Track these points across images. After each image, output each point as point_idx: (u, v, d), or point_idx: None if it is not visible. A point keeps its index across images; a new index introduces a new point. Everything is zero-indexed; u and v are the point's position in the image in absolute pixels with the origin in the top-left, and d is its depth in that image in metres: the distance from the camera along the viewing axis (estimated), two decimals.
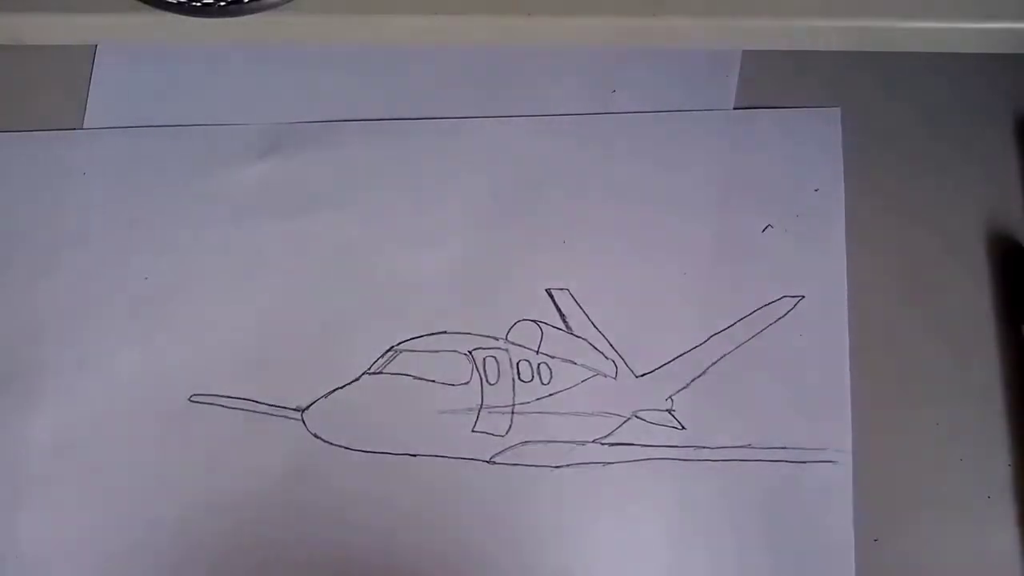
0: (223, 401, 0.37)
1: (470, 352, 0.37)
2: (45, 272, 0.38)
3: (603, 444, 0.37)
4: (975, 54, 0.40)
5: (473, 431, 0.37)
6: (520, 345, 0.37)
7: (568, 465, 0.37)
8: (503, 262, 0.38)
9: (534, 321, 0.38)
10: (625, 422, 0.37)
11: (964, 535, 0.36)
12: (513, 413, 0.37)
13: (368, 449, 0.37)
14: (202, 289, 0.38)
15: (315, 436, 0.37)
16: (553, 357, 0.37)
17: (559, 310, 0.38)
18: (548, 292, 0.38)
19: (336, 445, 0.37)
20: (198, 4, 0.31)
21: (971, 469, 0.36)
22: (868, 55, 0.39)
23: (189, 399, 0.37)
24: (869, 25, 0.34)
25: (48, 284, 0.38)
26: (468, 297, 0.38)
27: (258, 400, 0.37)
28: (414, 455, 0.37)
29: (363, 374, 0.37)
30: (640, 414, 0.37)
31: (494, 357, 0.37)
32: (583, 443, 0.37)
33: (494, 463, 0.37)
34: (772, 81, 0.40)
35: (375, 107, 0.40)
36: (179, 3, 0.31)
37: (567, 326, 0.38)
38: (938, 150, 0.40)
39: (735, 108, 0.40)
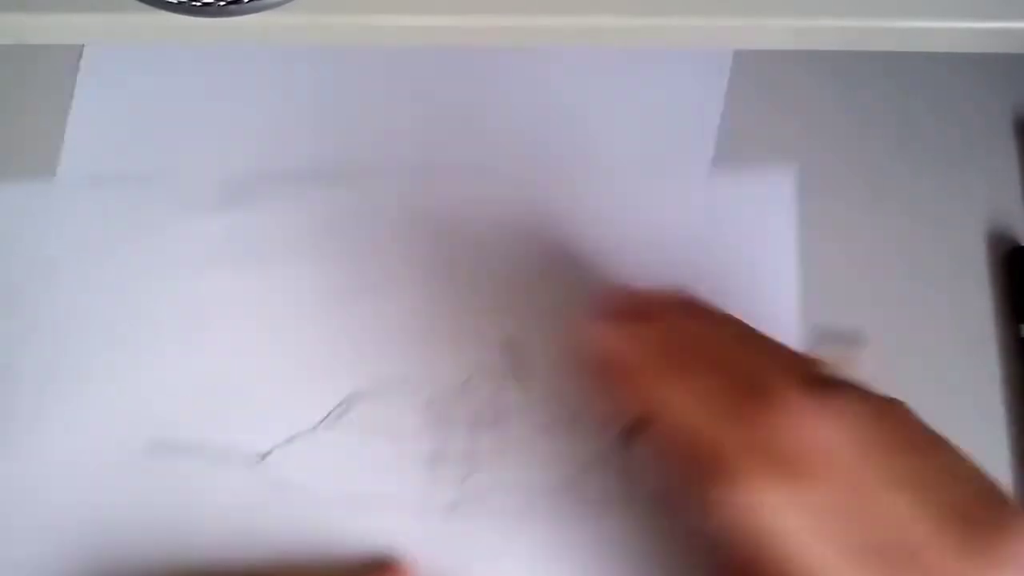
0: (182, 448, 0.37)
1: (427, 402, 0.37)
2: (7, 315, 0.38)
3: (561, 493, 0.37)
4: (974, 54, 0.39)
5: (430, 481, 0.37)
6: (476, 394, 0.37)
7: (527, 512, 0.37)
8: (459, 311, 0.38)
9: (490, 370, 0.37)
10: (583, 470, 0.37)
11: None
12: (471, 462, 0.37)
13: (326, 496, 0.37)
14: (162, 337, 0.38)
15: (271, 482, 0.37)
16: (510, 406, 0.37)
17: (515, 359, 0.37)
18: (504, 340, 0.38)
19: (295, 491, 0.37)
20: (198, 4, 0.31)
21: None
22: (868, 52, 0.39)
23: (147, 445, 0.37)
24: (868, 25, 0.33)
25: (10, 326, 0.38)
26: (425, 347, 0.38)
27: (216, 447, 0.37)
28: (371, 504, 0.37)
29: (320, 422, 0.37)
30: (598, 462, 0.37)
31: (451, 406, 0.37)
32: (541, 491, 0.37)
33: (453, 511, 0.37)
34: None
35: (336, 157, 0.39)
36: (179, 3, 0.31)
37: (523, 375, 0.37)
38: (937, 149, 0.39)
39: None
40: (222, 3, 0.31)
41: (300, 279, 0.39)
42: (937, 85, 0.40)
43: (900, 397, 0.35)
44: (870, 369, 0.29)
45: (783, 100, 0.40)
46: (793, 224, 0.39)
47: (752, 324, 0.31)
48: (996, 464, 0.36)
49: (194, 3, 0.31)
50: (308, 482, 0.37)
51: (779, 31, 0.33)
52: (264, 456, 0.37)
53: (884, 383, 0.35)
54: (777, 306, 0.38)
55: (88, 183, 0.40)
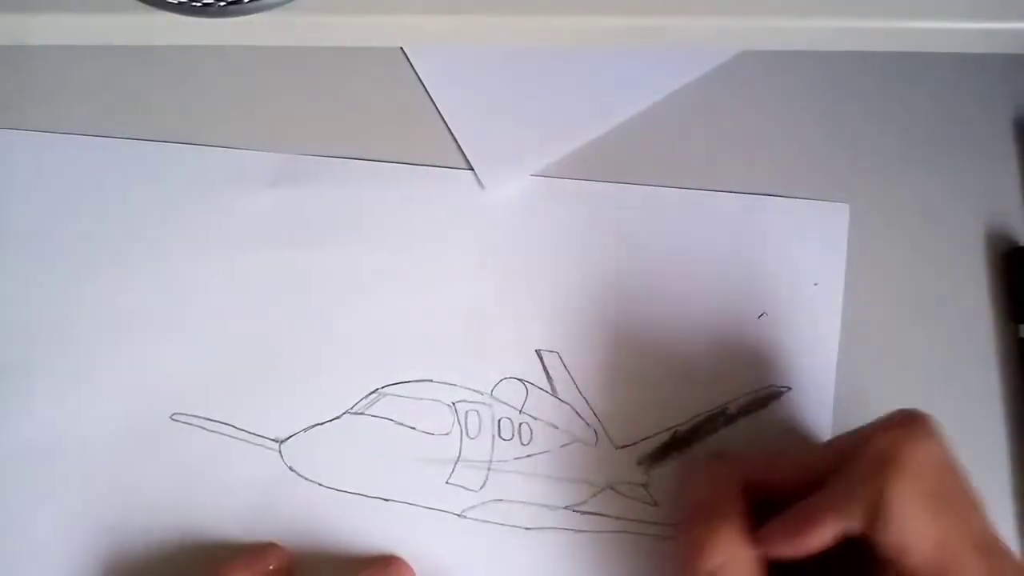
0: (203, 423, 0.37)
1: (453, 403, 0.37)
2: (43, 276, 0.39)
3: (575, 511, 0.37)
4: (974, 55, 0.39)
5: (447, 482, 0.37)
6: (504, 402, 0.37)
7: (539, 528, 0.37)
8: (497, 317, 0.38)
9: (520, 380, 0.37)
10: (600, 492, 0.37)
11: None
12: (489, 470, 0.37)
13: (341, 488, 0.37)
14: (196, 310, 0.38)
15: (290, 468, 0.37)
16: (535, 419, 0.37)
17: (547, 372, 0.37)
18: (538, 353, 0.37)
19: (309, 480, 0.37)
20: (198, 4, 0.31)
21: (970, 468, 0.36)
22: (866, 52, 0.38)
23: (171, 417, 0.37)
24: (868, 25, 0.33)
25: (45, 289, 0.38)
26: (458, 348, 0.38)
27: (238, 426, 0.37)
28: (386, 499, 0.37)
29: (345, 413, 0.37)
30: (615, 486, 0.37)
31: (476, 411, 0.37)
32: (556, 508, 0.37)
33: (464, 517, 0.37)
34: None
35: (388, 148, 0.39)
36: (179, 3, 0.31)
37: (553, 389, 0.37)
38: (936, 150, 0.39)
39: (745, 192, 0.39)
40: (222, 3, 0.30)
41: (341, 266, 0.38)
42: (937, 85, 0.40)
43: (897, 397, 0.36)
44: None
45: (780, 97, 0.40)
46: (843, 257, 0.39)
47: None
48: (995, 463, 0.37)
49: (194, 3, 0.30)
50: (323, 472, 0.37)
51: (778, 31, 0.33)
52: (283, 441, 0.37)
53: (880, 382, 0.37)
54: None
55: (132, 143, 0.40)
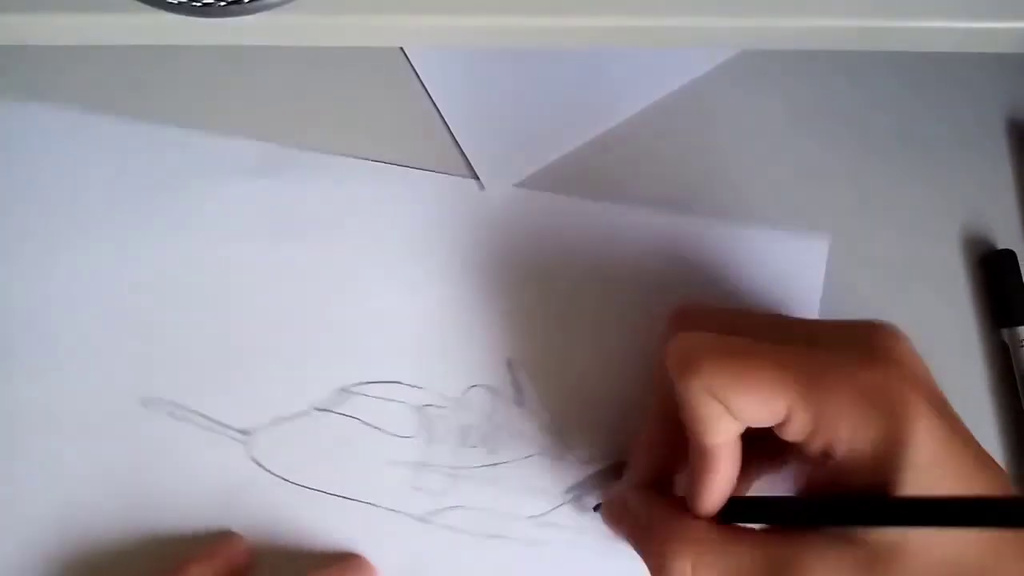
0: (172, 409, 0.37)
1: (421, 407, 0.37)
2: (13, 252, 0.38)
3: (535, 523, 0.37)
4: (966, 57, 0.40)
5: (410, 486, 0.37)
6: (471, 410, 0.37)
7: (497, 536, 0.37)
8: (472, 323, 0.38)
9: (489, 388, 0.37)
10: (560, 505, 0.37)
11: None
12: (452, 476, 0.37)
13: (303, 484, 0.37)
14: (172, 295, 0.38)
15: (254, 461, 0.37)
16: (501, 428, 0.37)
17: (516, 383, 0.37)
18: (509, 363, 0.37)
19: (273, 474, 0.37)
20: (198, 4, 0.30)
21: None
22: (862, 52, 0.38)
23: (140, 401, 0.37)
24: (867, 25, 0.33)
25: (14, 267, 0.38)
26: (430, 352, 0.38)
27: (205, 415, 0.37)
28: (348, 498, 0.37)
29: (312, 409, 0.37)
30: (576, 500, 0.37)
31: (443, 417, 0.37)
32: (517, 518, 0.37)
33: (425, 521, 0.37)
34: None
35: (387, 148, 0.39)
36: (179, 3, 0.30)
37: (520, 400, 0.37)
38: (926, 151, 0.39)
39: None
40: (223, 4, 0.30)
41: (321, 262, 0.38)
42: (928, 87, 0.40)
43: None
44: None
45: (775, 96, 0.40)
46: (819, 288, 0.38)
47: None
48: None
49: (194, 3, 0.30)
50: (286, 466, 0.37)
51: (775, 32, 0.33)
52: (249, 434, 0.37)
53: None
54: None
55: (118, 120, 0.39)
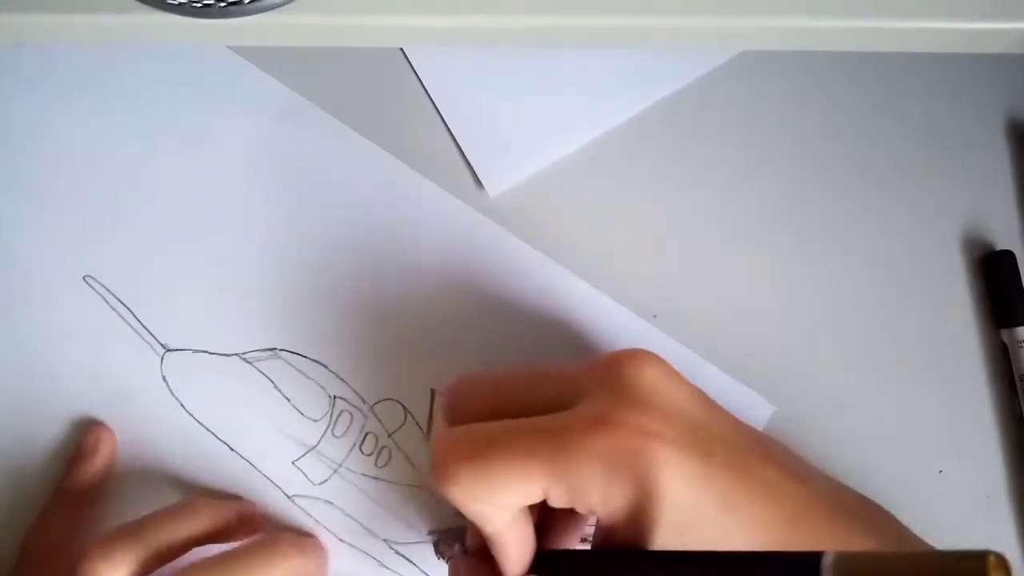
0: (108, 296, 0.38)
1: (334, 396, 0.38)
2: None
3: (392, 548, 0.37)
4: (964, 58, 0.40)
5: (293, 463, 0.37)
6: (379, 419, 0.38)
7: (351, 545, 0.37)
8: (412, 336, 0.38)
9: (403, 407, 0.38)
10: (419, 542, 0.37)
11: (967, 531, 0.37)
12: (336, 472, 0.37)
13: (198, 418, 0.37)
14: (150, 198, 0.39)
15: (163, 377, 0.37)
16: (399, 448, 0.37)
17: (430, 413, 0.38)
18: (432, 392, 0.38)
19: (174, 396, 0.37)
20: (198, 5, 0.31)
21: (963, 473, 0.37)
22: (861, 53, 0.39)
23: (83, 277, 0.38)
24: (867, 25, 0.33)
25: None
26: (367, 349, 0.38)
27: (137, 317, 0.38)
28: (232, 449, 0.37)
29: (236, 355, 0.38)
30: (437, 542, 0.37)
31: (351, 414, 0.38)
32: (375, 536, 0.37)
33: (292, 500, 0.37)
34: None
35: (387, 147, 0.40)
36: (179, 4, 0.31)
37: (428, 431, 0.38)
38: (926, 151, 0.40)
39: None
40: (223, 4, 0.31)
41: (310, 224, 0.39)
42: (928, 87, 0.40)
43: (886, 403, 0.37)
44: None
45: (775, 96, 0.40)
46: None
47: None
48: (991, 469, 0.37)
49: (194, 4, 0.30)
50: (189, 395, 0.37)
51: (775, 32, 0.33)
52: (169, 350, 0.38)
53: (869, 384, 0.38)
54: None
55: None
